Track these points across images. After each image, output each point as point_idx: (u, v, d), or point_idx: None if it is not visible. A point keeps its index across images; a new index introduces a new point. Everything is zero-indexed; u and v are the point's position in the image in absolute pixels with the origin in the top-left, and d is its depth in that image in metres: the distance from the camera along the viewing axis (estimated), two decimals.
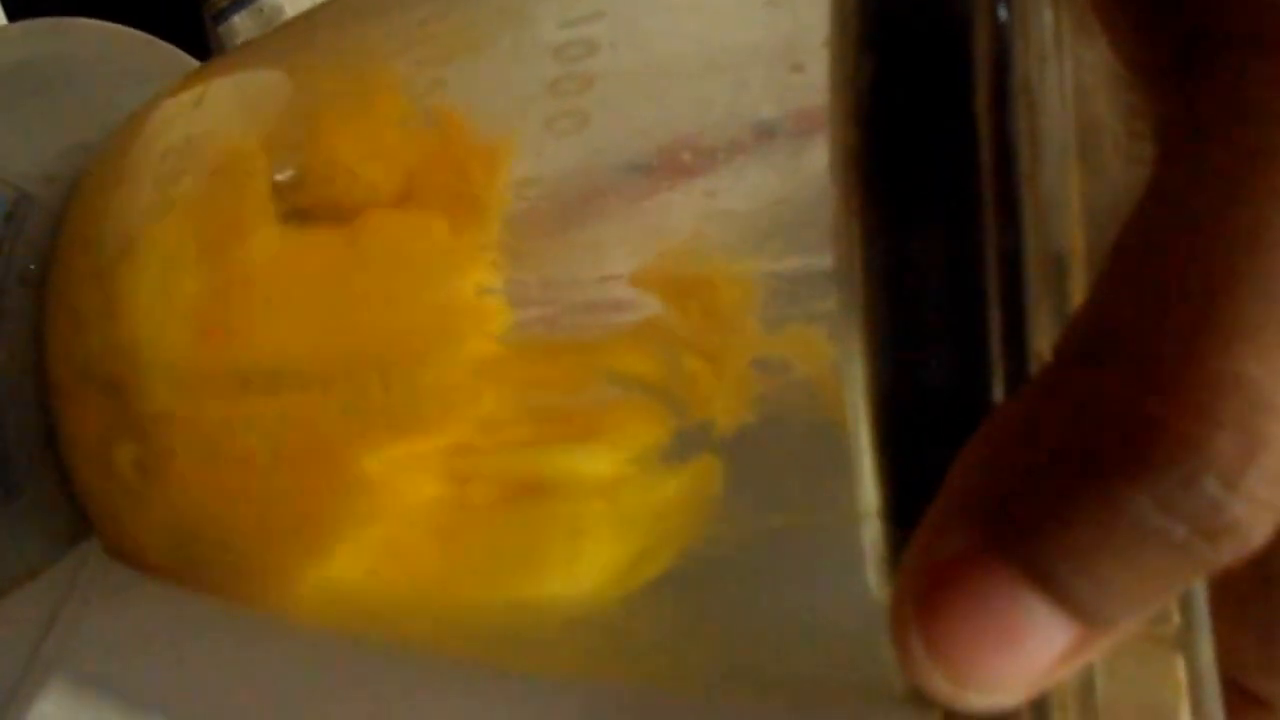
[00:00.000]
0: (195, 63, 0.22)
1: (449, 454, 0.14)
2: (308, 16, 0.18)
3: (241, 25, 0.27)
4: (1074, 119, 0.12)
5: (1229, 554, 0.10)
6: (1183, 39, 0.10)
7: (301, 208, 0.16)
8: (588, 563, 0.14)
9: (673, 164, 0.13)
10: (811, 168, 0.13)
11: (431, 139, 0.14)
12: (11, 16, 0.26)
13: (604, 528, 0.14)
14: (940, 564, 0.10)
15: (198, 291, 0.16)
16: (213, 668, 0.17)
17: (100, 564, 0.19)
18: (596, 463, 0.13)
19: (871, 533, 0.12)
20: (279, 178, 0.16)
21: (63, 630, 0.18)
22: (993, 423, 0.11)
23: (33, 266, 0.19)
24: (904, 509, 0.11)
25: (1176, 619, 0.12)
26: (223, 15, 0.26)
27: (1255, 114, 0.10)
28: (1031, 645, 0.10)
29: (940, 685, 0.11)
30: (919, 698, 0.12)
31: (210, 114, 0.17)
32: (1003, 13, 0.11)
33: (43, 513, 0.19)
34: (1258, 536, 0.10)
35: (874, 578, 0.12)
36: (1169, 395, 0.09)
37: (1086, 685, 0.12)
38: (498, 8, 0.15)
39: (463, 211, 0.14)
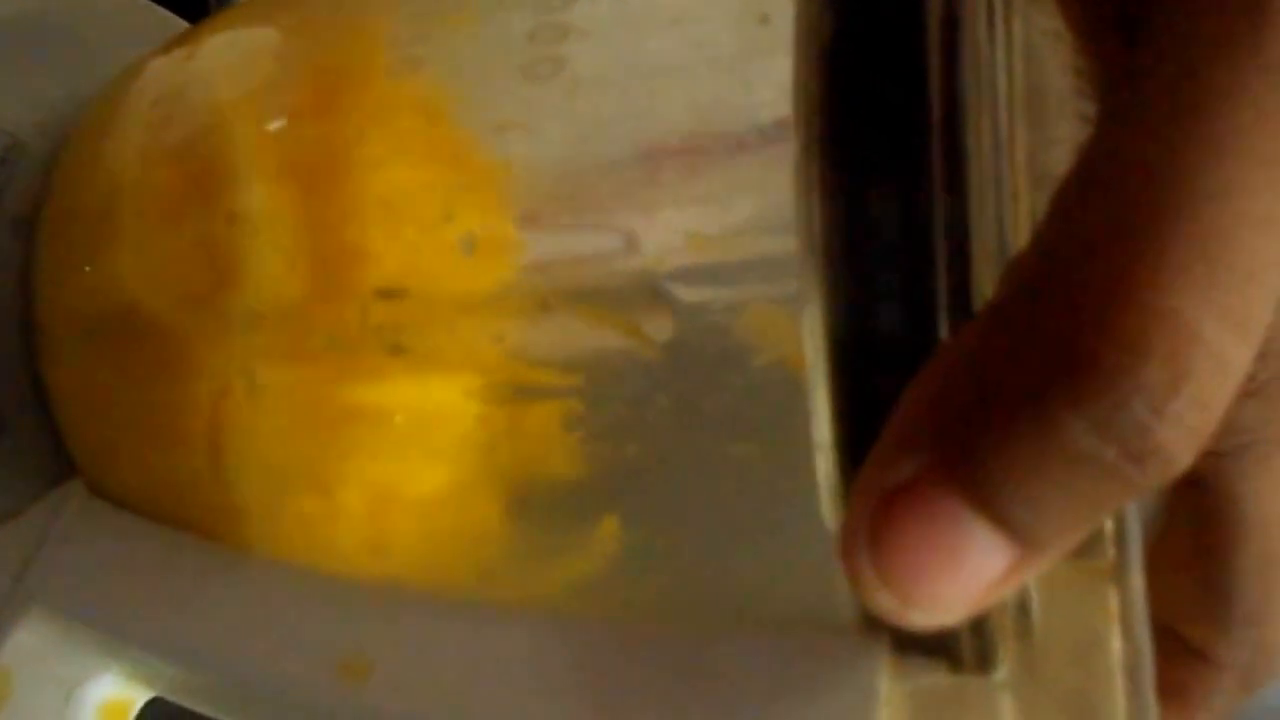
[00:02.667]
0: (187, 25, 0.23)
1: (430, 386, 0.15)
2: None
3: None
4: (1023, 79, 0.12)
5: (1155, 477, 0.10)
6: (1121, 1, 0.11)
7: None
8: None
9: (641, 128, 0.14)
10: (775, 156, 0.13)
11: (416, 89, 0.15)
12: None
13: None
14: (888, 490, 0.11)
15: (185, 235, 0.17)
16: (191, 602, 0.17)
17: (82, 502, 0.19)
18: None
19: (825, 465, 0.12)
20: (271, 127, 0.16)
21: (43, 565, 0.18)
22: (939, 357, 0.11)
23: (22, 212, 0.19)
24: (856, 442, 0.12)
25: (1111, 554, 0.13)
26: None
27: (1190, 66, 0.11)
28: (972, 566, 0.11)
29: (887, 604, 0.11)
30: (871, 625, 0.13)
31: (202, 66, 0.18)
32: None
33: (27, 453, 0.20)
34: (1182, 461, 0.10)
35: (827, 507, 0.12)
36: (1102, 327, 0.10)
37: (1023, 612, 0.13)
38: None
39: (448, 160, 0.14)
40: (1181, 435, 0.10)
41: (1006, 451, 0.10)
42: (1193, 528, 0.17)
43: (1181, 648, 0.18)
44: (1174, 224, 0.10)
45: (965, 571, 0.11)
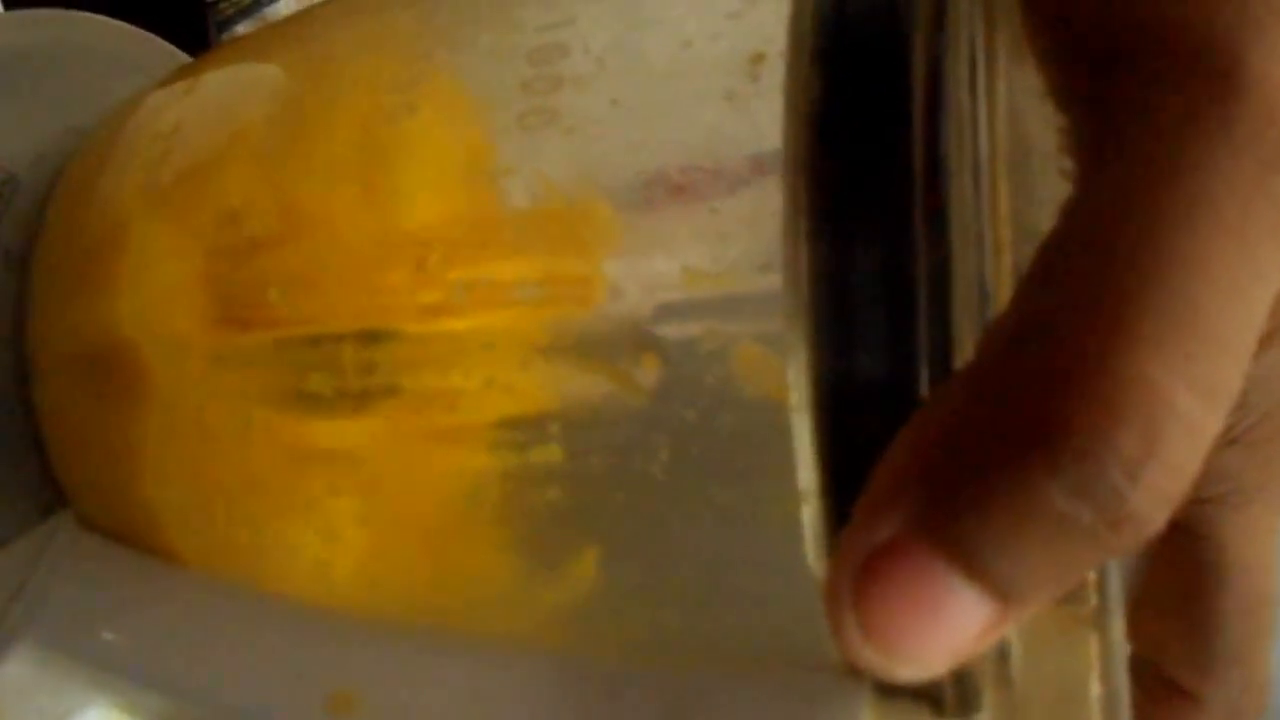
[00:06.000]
0: (188, 58, 0.23)
1: (418, 427, 0.15)
2: (300, 16, 0.19)
3: (245, 34, 0.27)
4: (1006, 137, 0.13)
5: (1130, 538, 0.11)
6: (1098, 64, 0.11)
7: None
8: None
9: (639, 172, 0.14)
10: (757, 189, 0.14)
11: (413, 133, 0.15)
12: (9, 9, 0.26)
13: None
14: (872, 548, 0.11)
15: (179, 273, 0.17)
16: (180, 635, 0.17)
17: (71, 534, 0.19)
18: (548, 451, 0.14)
19: (810, 511, 0.13)
20: (269, 167, 0.16)
21: (31, 597, 0.18)
22: (921, 417, 0.12)
23: (17, 244, 0.19)
24: (840, 490, 0.12)
25: (1093, 601, 0.13)
26: (228, 23, 0.27)
27: (1162, 139, 0.11)
28: (955, 621, 0.11)
29: (872, 659, 0.11)
30: (854, 668, 0.13)
31: (202, 103, 0.18)
32: (939, 40, 0.12)
33: (16, 485, 0.20)
34: (1155, 523, 0.11)
35: (812, 553, 0.13)
36: (1080, 394, 0.10)
37: (1004, 657, 0.13)
38: (478, 10, 0.16)
39: (442, 205, 0.15)
40: (1155, 500, 0.10)
41: (987, 512, 0.11)
42: (1177, 570, 0.18)
43: (1169, 688, 0.18)
44: (1147, 293, 0.10)
45: (948, 627, 0.11)
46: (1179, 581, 0.18)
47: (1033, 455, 0.10)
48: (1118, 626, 0.13)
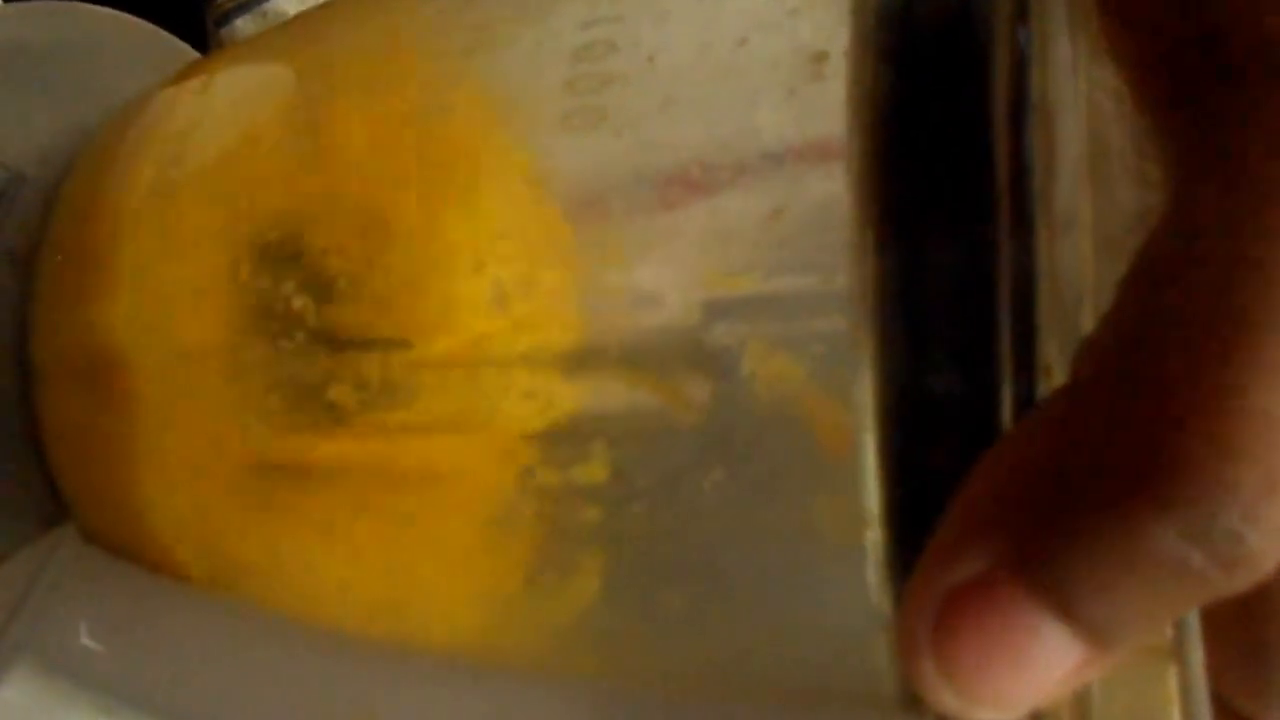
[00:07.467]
0: (196, 54, 0.22)
1: (448, 442, 0.14)
2: (319, 11, 0.18)
3: (244, 28, 0.27)
4: (1087, 139, 0.12)
5: (1241, 581, 0.10)
6: (1190, 72, 0.11)
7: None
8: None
9: (684, 175, 0.13)
10: (817, 191, 0.13)
11: (448, 132, 0.14)
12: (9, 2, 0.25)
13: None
14: (955, 585, 0.11)
15: (189, 280, 0.16)
16: (188, 658, 0.17)
17: (73, 549, 0.18)
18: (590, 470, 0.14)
19: (873, 539, 0.12)
20: (287, 171, 0.16)
21: (31, 614, 0.18)
22: (1008, 445, 0.11)
23: (21, 245, 0.18)
24: (907, 517, 0.12)
25: (1170, 631, 0.13)
26: (227, 18, 0.26)
27: (1264, 144, 0.10)
28: (1042, 665, 0.10)
29: (950, 702, 0.11)
30: (911, 701, 0.12)
31: (216, 103, 0.17)
32: (1022, 34, 0.11)
33: (17, 496, 0.19)
34: (1271, 564, 0.10)
35: (874, 582, 0.12)
36: (1193, 429, 0.10)
37: (1082, 691, 0.12)
38: (517, 6, 0.15)
39: (479, 208, 0.14)
40: (1272, 542, 0.10)
41: (1086, 553, 0.10)
42: (1235, 603, 0.17)
43: (1227, 713, 0.17)
44: (1259, 319, 0.10)
45: (1034, 670, 0.10)
46: (1237, 607, 0.17)
47: (1141, 494, 0.10)
48: (1197, 658, 0.13)
